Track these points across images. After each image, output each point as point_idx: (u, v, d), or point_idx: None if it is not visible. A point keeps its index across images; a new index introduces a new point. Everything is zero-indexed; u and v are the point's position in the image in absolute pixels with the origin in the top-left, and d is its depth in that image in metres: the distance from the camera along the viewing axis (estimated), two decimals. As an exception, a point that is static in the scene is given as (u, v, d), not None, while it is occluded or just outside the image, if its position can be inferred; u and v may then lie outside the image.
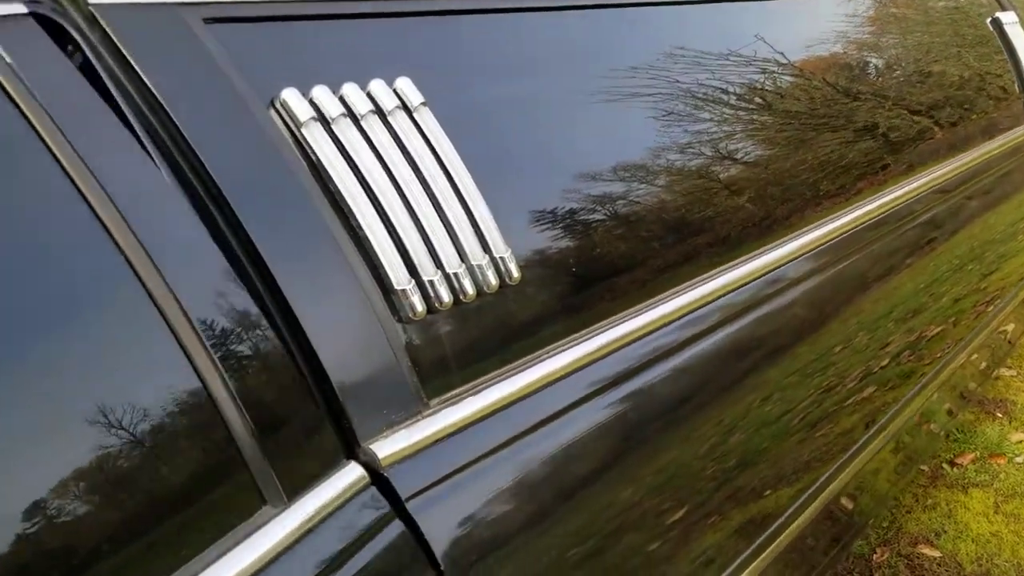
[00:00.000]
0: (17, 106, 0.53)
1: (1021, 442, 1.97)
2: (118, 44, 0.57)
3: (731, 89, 1.09)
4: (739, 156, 1.06)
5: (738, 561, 1.00)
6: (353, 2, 0.74)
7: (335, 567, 0.55)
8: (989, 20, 1.94)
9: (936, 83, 1.62)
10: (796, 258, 1.09)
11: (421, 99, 0.69)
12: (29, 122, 0.53)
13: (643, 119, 0.94)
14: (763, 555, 1.04)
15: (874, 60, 1.47)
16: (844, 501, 1.20)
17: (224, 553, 0.51)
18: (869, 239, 1.28)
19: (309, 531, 0.55)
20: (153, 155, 0.58)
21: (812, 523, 1.11)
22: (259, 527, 0.53)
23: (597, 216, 0.83)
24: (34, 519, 0.44)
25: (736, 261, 0.98)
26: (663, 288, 0.87)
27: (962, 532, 1.67)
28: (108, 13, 0.58)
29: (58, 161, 0.53)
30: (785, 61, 1.25)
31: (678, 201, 0.93)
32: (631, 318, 0.82)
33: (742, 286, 0.98)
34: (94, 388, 0.48)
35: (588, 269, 0.80)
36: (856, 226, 1.25)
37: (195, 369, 0.53)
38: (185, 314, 0.53)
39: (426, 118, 0.69)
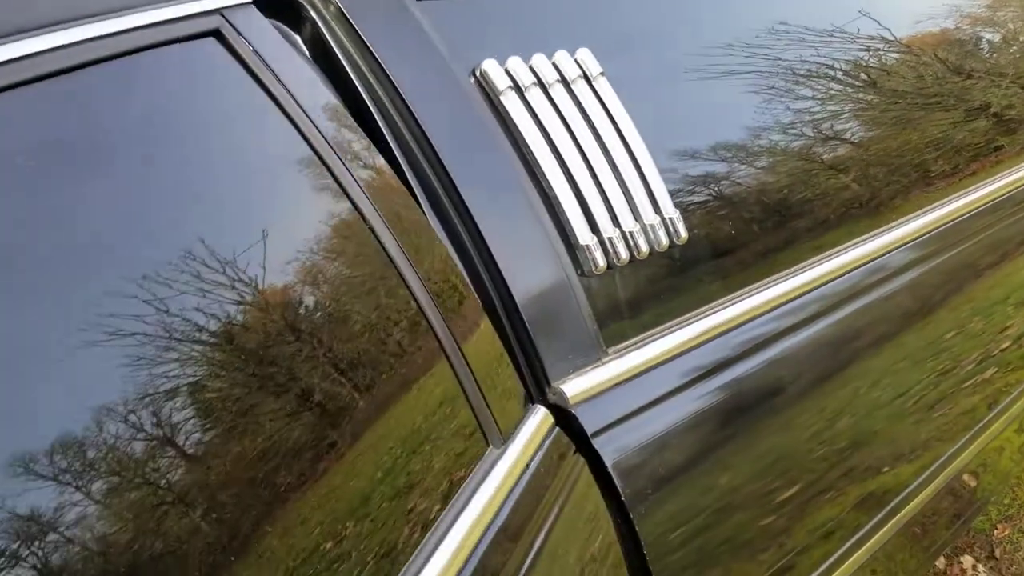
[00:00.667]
0: (260, 83, 0.56)
1: None
2: (350, 18, 0.64)
3: (838, 65, 1.09)
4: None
5: (862, 532, 1.03)
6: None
7: (546, 498, 0.60)
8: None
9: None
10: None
11: (600, 69, 0.74)
12: (271, 95, 0.56)
13: (744, 97, 0.94)
14: (885, 528, 1.06)
15: (989, 35, 1.44)
16: (966, 479, 1.20)
17: (472, 495, 0.55)
18: (982, 225, 1.27)
19: (526, 467, 0.60)
20: (377, 119, 0.64)
21: (934, 499, 1.12)
22: (492, 466, 0.57)
23: (753, 187, 0.86)
24: (319, 465, 0.48)
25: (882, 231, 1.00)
26: (811, 256, 0.91)
27: (1086, 512, 1.64)
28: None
29: (296, 126, 0.57)
30: (894, 37, 1.23)
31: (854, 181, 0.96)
32: (778, 283, 0.85)
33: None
34: (352, 348, 0.52)
35: (746, 233, 0.84)
36: (968, 212, 1.23)
37: (428, 322, 0.57)
38: (415, 271, 0.58)
39: (604, 87, 0.74)
